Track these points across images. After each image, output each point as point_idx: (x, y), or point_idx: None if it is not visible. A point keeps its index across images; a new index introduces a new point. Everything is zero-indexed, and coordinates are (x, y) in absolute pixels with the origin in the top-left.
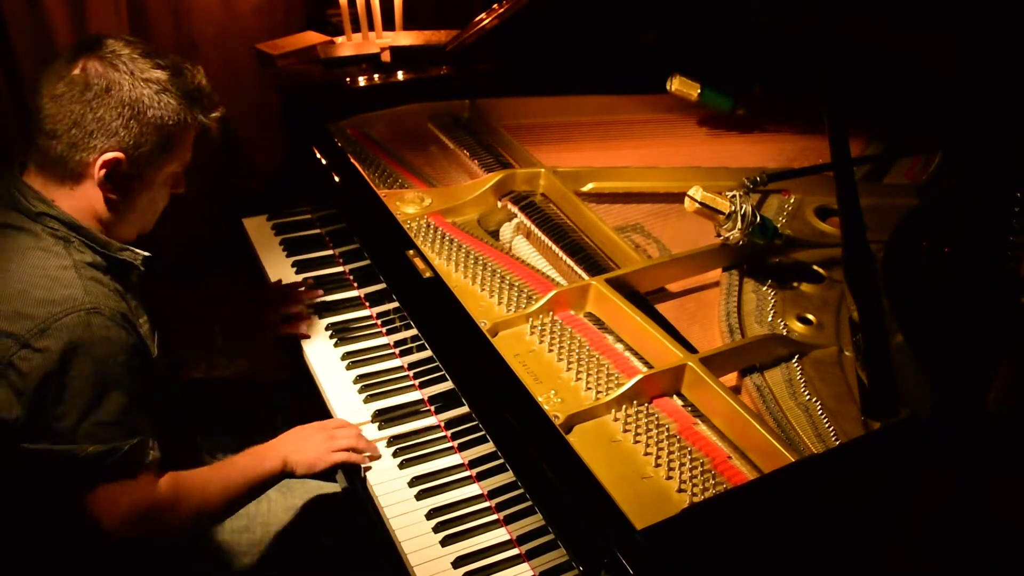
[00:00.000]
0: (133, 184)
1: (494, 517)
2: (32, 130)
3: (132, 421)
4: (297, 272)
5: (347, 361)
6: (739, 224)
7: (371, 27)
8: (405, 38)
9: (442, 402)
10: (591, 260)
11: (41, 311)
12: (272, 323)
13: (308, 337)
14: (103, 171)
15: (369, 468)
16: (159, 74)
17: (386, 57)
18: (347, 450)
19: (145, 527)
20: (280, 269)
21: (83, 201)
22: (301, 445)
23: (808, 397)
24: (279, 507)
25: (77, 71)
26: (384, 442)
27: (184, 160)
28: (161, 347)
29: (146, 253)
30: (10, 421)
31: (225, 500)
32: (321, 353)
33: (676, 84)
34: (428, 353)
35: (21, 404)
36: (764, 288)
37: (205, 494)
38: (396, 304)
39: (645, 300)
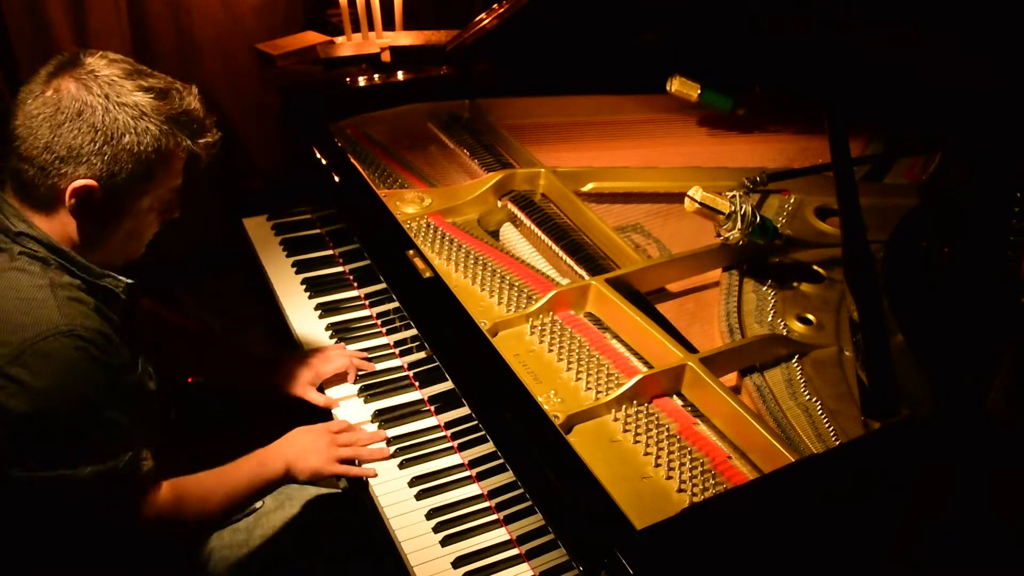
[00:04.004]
0: (110, 213)
1: (494, 517)
2: (6, 150)
3: (124, 436)
4: (297, 272)
5: None
6: (739, 224)
7: (371, 27)
8: (405, 38)
9: (442, 402)
10: (591, 260)
11: (14, 337)
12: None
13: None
14: (74, 200)
15: (374, 475)
16: (139, 97)
17: (386, 57)
18: (352, 459)
19: (148, 536)
20: (280, 269)
21: (59, 227)
22: (304, 451)
23: (808, 397)
24: (277, 516)
25: (51, 92)
26: (384, 442)
27: (172, 187)
28: (148, 372)
29: (129, 280)
30: None
31: (226, 505)
32: None
33: (676, 85)
34: (428, 353)
35: (5, 435)
36: (764, 288)
37: (206, 501)
38: (396, 304)
39: (645, 300)
